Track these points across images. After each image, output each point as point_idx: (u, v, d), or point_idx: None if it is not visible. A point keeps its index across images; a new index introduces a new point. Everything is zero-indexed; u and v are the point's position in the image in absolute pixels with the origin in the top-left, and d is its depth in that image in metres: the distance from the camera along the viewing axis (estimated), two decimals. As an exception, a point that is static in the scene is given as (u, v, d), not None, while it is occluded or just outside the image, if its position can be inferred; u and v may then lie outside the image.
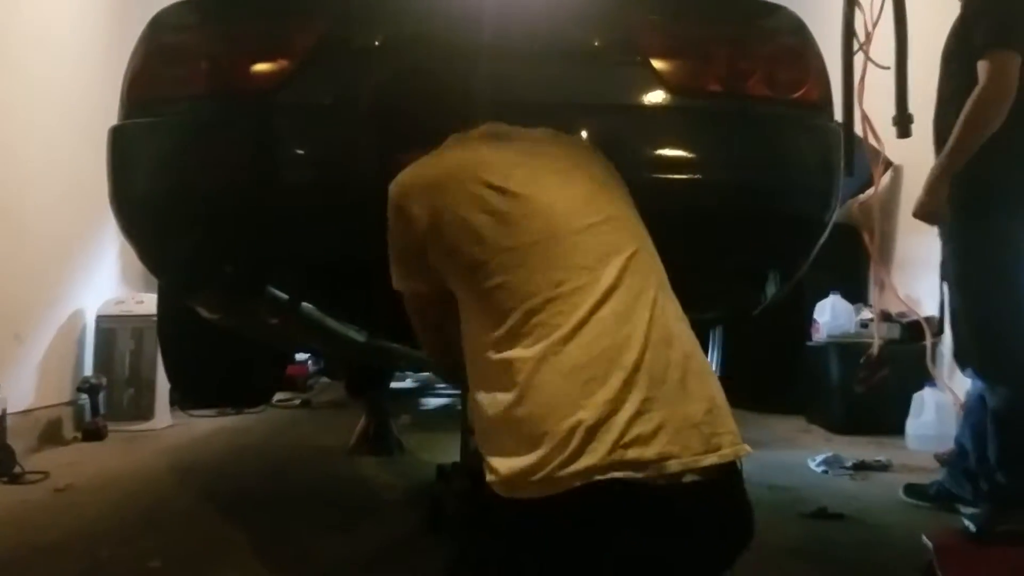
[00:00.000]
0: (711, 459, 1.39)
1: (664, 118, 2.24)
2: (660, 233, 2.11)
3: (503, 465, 1.39)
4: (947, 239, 2.95)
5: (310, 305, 2.35)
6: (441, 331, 1.77)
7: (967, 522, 2.41)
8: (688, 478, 1.36)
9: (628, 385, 1.39)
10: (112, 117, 2.34)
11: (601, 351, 1.42)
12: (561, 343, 1.42)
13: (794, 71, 2.29)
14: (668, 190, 2.15)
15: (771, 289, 2.46)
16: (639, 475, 1.33)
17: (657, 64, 2.20)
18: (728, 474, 1.43)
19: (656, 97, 2.21)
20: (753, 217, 2.22)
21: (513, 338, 1.44)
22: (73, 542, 2.66)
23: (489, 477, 1.41)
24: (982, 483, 2.93)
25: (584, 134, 2.11)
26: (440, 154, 1.68)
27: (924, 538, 2.29)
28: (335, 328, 2.48)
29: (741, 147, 2.23)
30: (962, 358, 3.09)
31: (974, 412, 3.03)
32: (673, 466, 1.35)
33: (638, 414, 1.36)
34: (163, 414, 4.92)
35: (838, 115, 2.68)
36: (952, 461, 3.17)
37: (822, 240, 2.40)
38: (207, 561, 2.48)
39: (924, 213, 2.89)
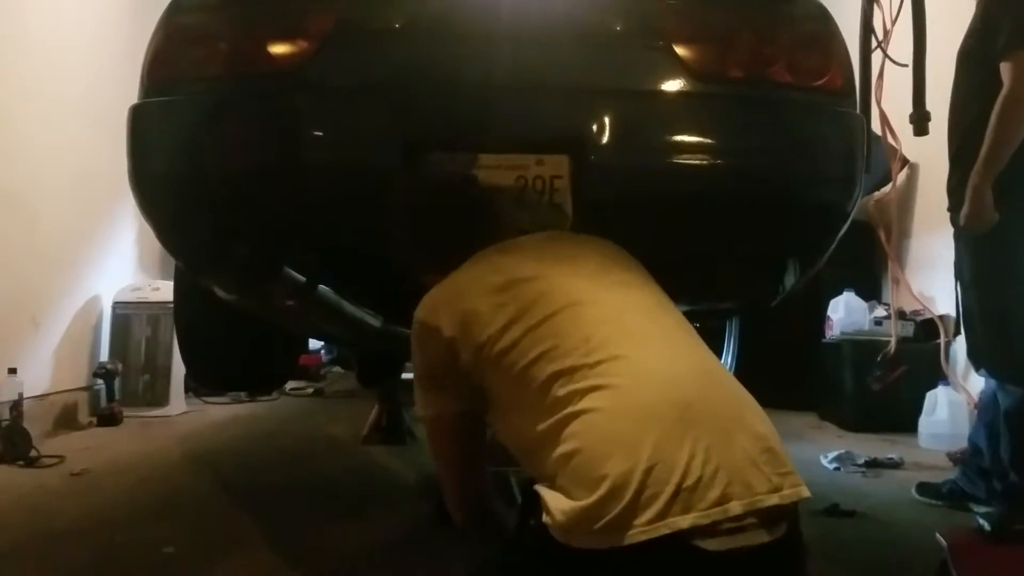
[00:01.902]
0: (773, 500, 1.35)
1: (686, 104, 2.23)
2: (682, 219, 2.12)
3: (560, 507, 1.35)
4: (961, 237, 2.94)
5: (327, 288, 2.36)
6: (466, 458, 1.76)
7: (981, 521, 2.37)
8: (750, 536, 1.32)
9: (682, 423, 1.36)
10: (128, 103, 2.35)
11: (651, 391, 1.41)
12: (609, 389, 1.41)
13: (817, 58, 2.27)
14: (690, 176, 2.15)
15: (790, 279, 2.45)
16: (705, 522, 1.28)
17: (680, 50, 2.19)
18: (788, 533, 1.38)
19: (678, 83, 2.20)
20: (775, 204, 2.21)
21: (562, 400, 1.43)
22: (88, 527, 2.68)
23: (545, 518, 1.37)
24: (996, 482, 2.93)
25: (608, 121, 2.11)
26: (456, 274, 1.73)
27: (938, 536, 2.26)
28: (351, 312, 2.49)
29: (763, 134, 2.21)
30: (976, 357, 3.08)
31: (988, 411, 3.03)
32: (735, 508, 1.31)
33: (695, 453, 1.33)
34: (178, 400, 4.96)
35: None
36: (966, 460, 3.17)
37: (844, 229, 2.39)
38: (220, 548, 2.49)
39: (974, 223, 2.83)
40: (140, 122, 2.32)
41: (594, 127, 2.11)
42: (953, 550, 2.18)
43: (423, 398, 1.71)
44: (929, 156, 4.24)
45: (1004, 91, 2.76)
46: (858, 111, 2.52)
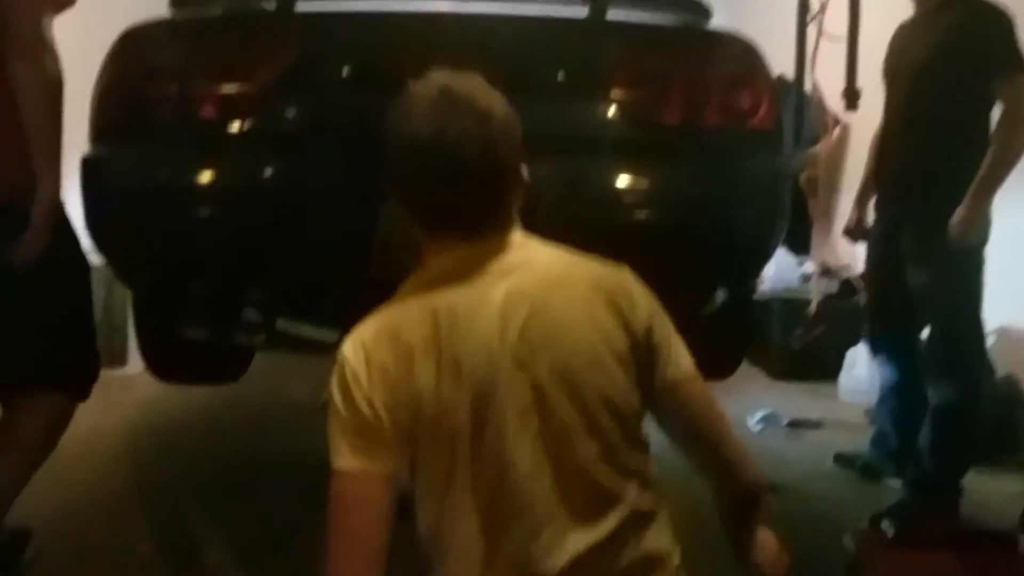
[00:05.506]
0: None
1: (620, 148, 2.33)
2: (617, 256, 2.29)
3: None
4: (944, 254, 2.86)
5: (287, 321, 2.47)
6: (374, 545, 1.23)
7: (885, 523, 2.51)
8: None
9: None
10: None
11: None
12: None
13: (747, 98, 2.40)
14: (626, 217, 2.31)
15: (720, 297, 2.61)
16: None
17: (614, 94, 2.31)
18: None
19: (613, 127, 2.32)
20: (705, 242, 2.35)
21: None
22: (59, 523, 2.67)
23: None
24: (908, 468, 3.06)
25: (546, 166, 2.22)
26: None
27: (844, 540, 2.42)
28: (314, 335, 2.62)
29: (696, 175, 2.35)
30: (876, 340, 3.24)
31: (888, 400, 3.23)
32: None
33: None
34: (137, 359, 4.96)
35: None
36: (875, 440, 3.37)
37: (768, 262, 2.56)
38: (196, 540, 2.56)
39: (964, 232, 2.73)
40: (89, 170, 2.38)
41: (532, 172, 2.22)
42: (859, 554, 2.37)
43: (344, 443, 1.23)
44: (859, 117, 4.35)
45: (1009, 113, 2.74)
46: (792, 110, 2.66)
